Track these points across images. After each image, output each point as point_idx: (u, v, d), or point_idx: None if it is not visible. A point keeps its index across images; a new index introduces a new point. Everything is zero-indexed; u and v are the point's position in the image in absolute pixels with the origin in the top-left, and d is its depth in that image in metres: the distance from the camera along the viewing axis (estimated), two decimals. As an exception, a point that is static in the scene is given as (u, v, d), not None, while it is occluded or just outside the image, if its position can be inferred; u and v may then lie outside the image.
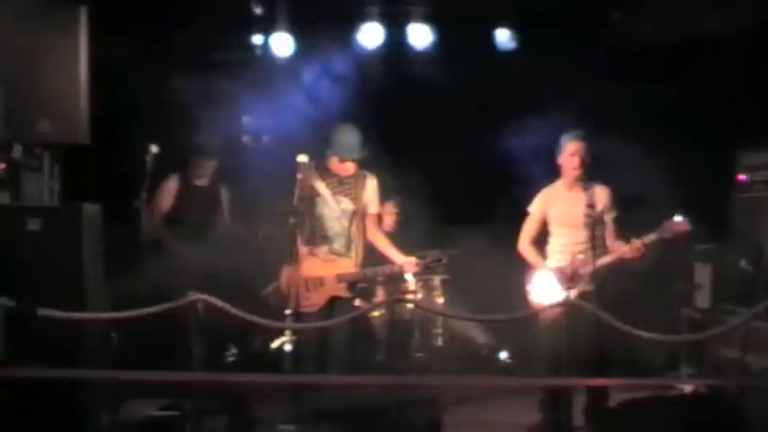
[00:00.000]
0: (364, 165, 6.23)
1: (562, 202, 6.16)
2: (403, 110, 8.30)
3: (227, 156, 7.23)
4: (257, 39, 8.48)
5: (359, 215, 6.13)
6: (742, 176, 6.68)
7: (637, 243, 5.86)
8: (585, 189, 6.01)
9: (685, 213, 5.84)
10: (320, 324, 5.90)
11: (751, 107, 7.11)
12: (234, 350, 7.70)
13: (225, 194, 7.10)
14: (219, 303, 5.11)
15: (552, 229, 6.22)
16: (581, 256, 5.97)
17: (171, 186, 6.88)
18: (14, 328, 4.96)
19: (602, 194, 6.08)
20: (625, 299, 6.20)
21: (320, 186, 6.09)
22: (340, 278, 6.04)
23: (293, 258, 5.65)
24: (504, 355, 8.16)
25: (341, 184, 6.14)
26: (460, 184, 8.28)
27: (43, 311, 4.91)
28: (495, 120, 7.84)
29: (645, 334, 5.24)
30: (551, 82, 7.61)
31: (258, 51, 8.51)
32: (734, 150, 6.80)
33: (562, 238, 6.14)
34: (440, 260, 6.08)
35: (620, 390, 6.17)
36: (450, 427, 5.69)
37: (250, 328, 7.13)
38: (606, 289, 5.93)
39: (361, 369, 6.69)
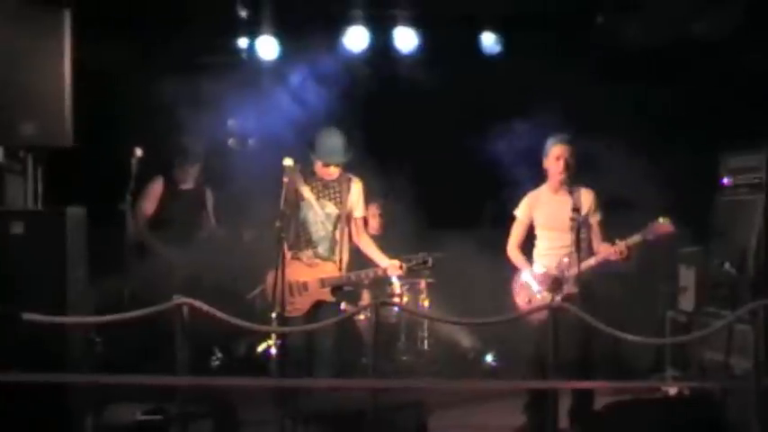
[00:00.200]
0: (349, 168, 6.23)
1: (548, 205, 6.18)
2: (389, 113, 8.30)
3: (212, 159, 7.21)
4: (243, 42, 8.48)
5: (343, 219, 6.13)
6: (725, 179, 6.70)
7: (621, 245, 5.89)
8: (571, 192, 6.04)
9: (669, 216, 5.87)
10: (306, 327, 5.89)
11: (734, 110, 7.15)
12: (219, 354, 7.68)
13: (210, 198, 7.09)
14: (205, 307, 5.10)
15: (538, 232, 6.23)
16: (566, 259, 5.99)
17: (156, 189, 6.86)
18: (-2, 332, 4.94)
19: (587, 197, 6.10)
20: (610, 301, 6.23)
21: (305, 190, 6.09)
22: (324, 282, 6.03)
23: (279, 262, 5.63)
24: (489, 358, 8.18)
25: (325, 188, 6.13)
26: (446, 188, 8.29)
27: (27, 316, 4.88)
28: (481, 123, 7.86)
29: (629, 336, 5.26)
30: (537, 85, 7.63)
31: (244, 54, 8.51)
32: (717, 153, 6.82)
33: (548, 241, 6.16)
34: (425, 263, 6.08)
35: (605, 392, 6.19)
36: (435, 430, 5.69)
37: (235, 332, 7.13)
38: (591, 291, 5.95)
39: (346, 372, 6.68)
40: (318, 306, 6.04)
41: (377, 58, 8.41)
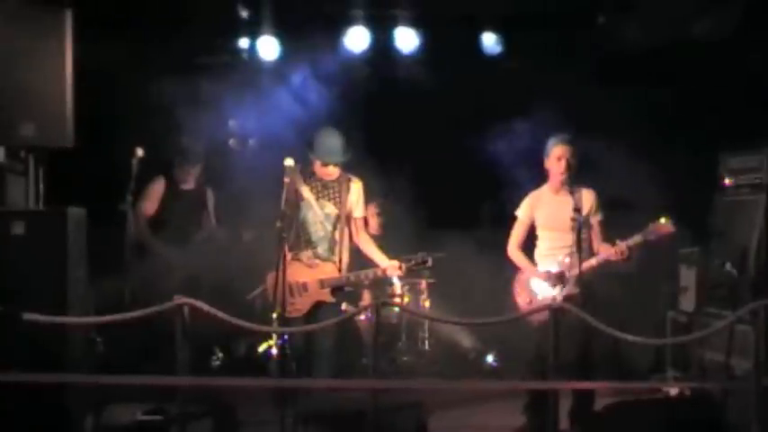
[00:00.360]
0: (349, 168, 6.22)
1: (549, 205, 6.18)
2: (389, 113, 8.30)
3: (213, 159, 7.21)
4: (244, 42, 8.49)
5: (343, 219, 6.12)
6: (726, 180, 6.70)
7: (621, 246, 5.89)
8: (572, 192, 6.03)
9: (670, 216, 5.87)
10: (306, 328, 5.89)
11: (734, 110, 7.15)
12: (219, 354, 7.69)
13: (211, 198, 7.09)
14: (205, 307, 5.10)
15: (539, 232, 6.23)
16: (567, 260, 5.99)
17: (156, 189, 6.86)
18: (-2, 332, 4.94)
19: (588, 198, 6.10)
20: (611, 302, 6.23)
21: (304, 190, 6.08)
22: (323, 283, 6.03)
23: (279, 263, 5.63)
24: (490, 358, 8.17)
25: (325, 189, 6.13)
26: (446, 188, 8.30)
27: (28, 315, 4.88)
28: (481, 123, 7.86)
29: (630, 337, 5.26)
30: (537, 85, 7.63)
31: (245, 55, 8.51)
32: (718, 153, 6.82)
33: (549, 241, 6.16)
34: (424, 262, 6.07)
35: (605, 393, 6.19)
36: (436, 431, 5.68)
37: (236, 332, 7.13)
38: (592, 292, 5.95)
39: (347, 372, 6.68)
40: (318, 307, 6.04)
41: (377, 59, 8.42)
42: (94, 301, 5.86)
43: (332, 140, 6.04)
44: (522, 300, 6.19)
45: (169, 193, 6.88)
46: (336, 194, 6.12)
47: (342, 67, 8.10)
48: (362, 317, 7.53)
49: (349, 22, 8.21)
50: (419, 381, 7.63)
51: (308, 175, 6.12)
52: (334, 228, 6.10)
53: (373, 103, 8.42)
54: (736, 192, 6.63)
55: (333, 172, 6.09)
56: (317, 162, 6.08)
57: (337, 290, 6.10)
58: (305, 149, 6.11)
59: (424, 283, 8.21)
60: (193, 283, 6.55)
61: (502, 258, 6.35)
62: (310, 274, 6.02)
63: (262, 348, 7.59)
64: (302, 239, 6.09)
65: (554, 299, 5.89)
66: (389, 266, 6.06)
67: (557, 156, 6.10)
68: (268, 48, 8.37)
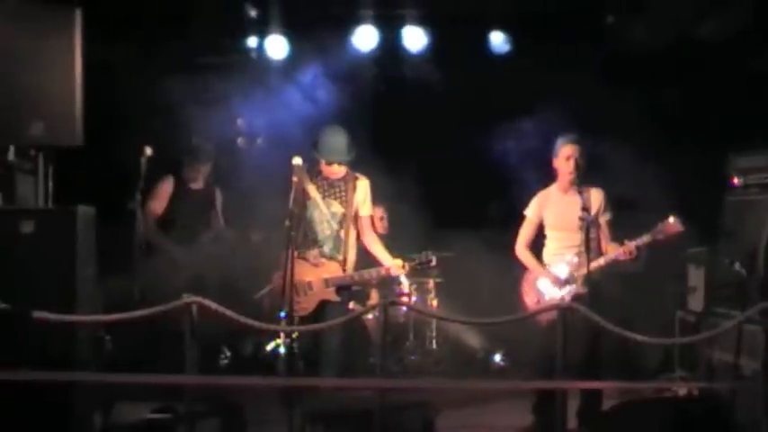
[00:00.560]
0: (357, 167, 6.22)
1: (557, 205, 6.17)
2: (397, 112, 8.31)
3: (221, 158, 7.22)
4: (252, 41, 8.50)
5: (349, 218, 6.11)
6: (735, 179, 6.68)
7: (630, 245, 5.88)
8: (580, 192, 6.02)
9: (678, 215, 5.86)
10: (314, 327, 5.89)
11: (743, 110, 7.13)
12: (227, 353, 7.70)
13: (219, 197, 7.09)
14: (214, 306, 5.11)
15: (548, 232, 6.23)
16: (575, 259, 5.98)
17: (165, 189, 6.87)
18: (8, 331, 4.94)
19: (596, 197, 6.10)
20: (619, 301, 6.22)
21: (311, 189, 6.08)
22: (327, 282, 6.03)
23: (288, 262, 5.63)
24: (498, 357, 8.17)
25: (331, 187, 6.12)
26: (454, 187, 8.30)
27: (37, 314, 4.90)
28: (489, 122, 7.86)
29: (638, 337, 5.25)
30: (545, 85, 7.62)
31: (253, 54, 8.53)
32: (726, 153, 6.81)
33: (558, 241, 6.16)
34: (428, 261, 6.06)
35: (613, 392, 6.18)
36: (443, 430, 5.69)
37: (243, 332, 7.14)
38: (600, 291, 5.94)
39: (354, 372, 6.69)
40: (324, 306, 6.04)
41: (385, 58, 8.43)
42: (103, 299, 5.87)
43: (336, 139, 6.04)
44: (529, 299, 6.18)
45: (178, 192, 6.88)
46: (343, 193, 6.11)
47: (350, 67, 8.12)
48: (370, 316, 7.53)
49: (357, 21, 8.22)
50: (426, 380, 7.64)
51: (315, 174, 6.12)
52: (341, 227, 6.10)
53: (381, 102, 8.43)
54: (744, 191, 6.62)
55: (339, 171, 6.09)
56: (323, 161, 6.08)
57: (342, 289, 6.09)
58: (311, 148, 6.11)
59: (431, 283, 8.22)
60: (201, 282, 6.56)
61: (509, 258, 6.35)
62: (315, 273, 6.03)
63: (269, 347, 7.61)
64: (309, 239, 6.09)
65: (562, 299, 5.89)
66: (393, 266, 6.05)
67: (565, 155, 6.09)
68: (276, 47, 8.38)
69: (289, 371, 5.87)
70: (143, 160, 5.98)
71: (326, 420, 5.38)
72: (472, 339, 8.35)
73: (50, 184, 5.81)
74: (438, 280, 8.22)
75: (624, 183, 6.53)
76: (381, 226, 7.97)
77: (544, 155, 6.28)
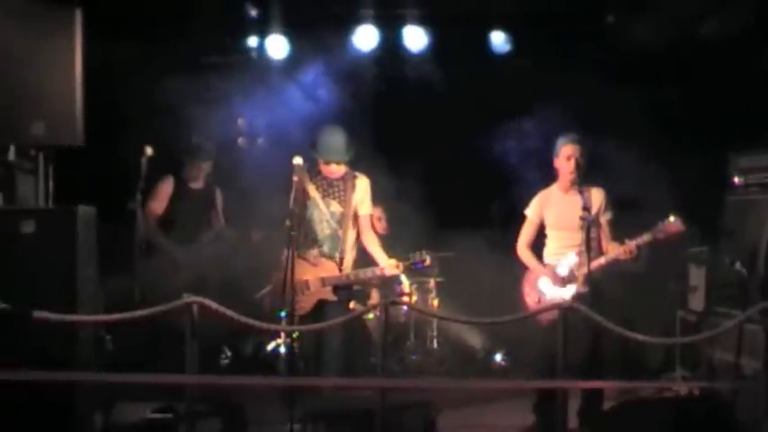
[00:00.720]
0: (358, 167, 6.21)
1: (558, 205, 6.17)
2: (398, 112, 8.31)
3: (222, 158, 7.22)
4: (253, 41, 8.50)
5: (348, 217, 6.10)
6: (736, 179, 6.68)
7: (630, 245, 5.88)
8: (581, 192, 6.02)
9: (679, 215, 5.85)
10: (315, 326, 5.89)
11: (744, 109, 7.13)
12: (228, 353, 7.70)
13: (219, 197, 7.09)
14: (214, 306, 5.10)
15: (548, 231, 6.23)
16: (576, 258, 5.98)
17: (165, 189, 6.87)
18: (8, 331, 4.94)
19: (597, 196, 6.09)
20: (620, 301, 6.22)
21: (310, 189, 6.07)
22: (324, 281, 6.02)
23: (288, 262, 5.63)
24: (499, 357, 8.17)
25: (330, 187, 6.12)
26: (455, 187, 8.30)
27: (37, 314, 4.90)
28: (490, 122, 7.86)
29: (639, 336, 5.25)
30: (546, 84, 7.62)
31: (254, 54, 8.52)
32: (727, 153, 6.81)
33: (558, 240, 6.15)
34: (422, 261, 6.05)
35: (614, 392, 6.18)
36: (444, 430, 5.68)
37: (244, 331, 7.14)
38: (601, 291, 5.94)
39: (355, 371, 6.68)
40: (324, 305, 6.03)
41: (386, 57, 8.43)
42: (104, 299, 5.86)
43: (334, 139, 6.03)
44: (530, 299, 6.18)
45: (178, 192, 6.89)
46: (342, 192, 6.11)
47: (350, 66, 8.11)
48: (371, 315, 7.53)
49: (358, 20, 8.22)
50: (427, 380, 7.64)
51: (315, 173, 6.12)
52: (340, 226, 6.09)
53: (382, 102, 8.43)
54: (745, 191, 6.62)
55: (338, 170, 6.08)
56: (322, 163, 6.07)
57: (340, 288, 6.08)
58: (310, 148, 6.10)
59: (432, 282, 8.22)
60: (202, 281, 6.57)
61: (511, 257, 6.35)
62: (313, 273, 6.02)
63: (270, 347, 7.61)
64: (308, 238, 6.08)
65: (563, 298, 5.88)
66: (387, 265, 6.04)
67: (566, 155, 6.09)
68: (277, 46, 8.38)
69: (289, 371, 5.87)
70: (143, 160, 5.98)
71: (327, 420, 5.38)
72: (473, 339, 8.35)
73: (51, 183, 5.81)
74: (439, 279, 8.22)
75: (625, 182, 6.53)
76: (380, 226, 7.97)
77: (545, 154, 6.28)
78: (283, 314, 5.74)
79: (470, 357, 8.30)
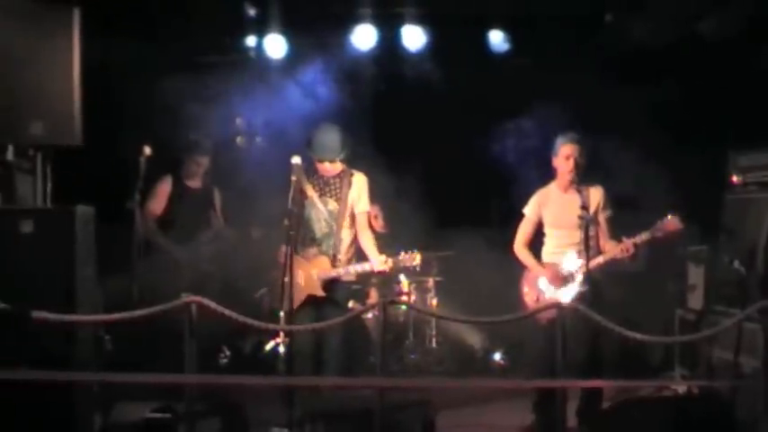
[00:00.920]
0: (356, 165, 6.21)
1: (556, 204, 6.17)
2: (396, 111, 8.31)
3: (220, 157, 7.22)
4: (251, 40, 8.49)
5: (344, 215, 6.09)
6: (735, 177, 6.68)
7: (628, 243, 5.88)
8: (580, 191, 6.02)
9: (678, 213, 5.85)
10: (314, 325, 5.89)
11: (743, 108, 7.13)
12: (227, 352, 7.70)
13: (218, 197, 7.10)
14: (213, 305, 5.10)
15: (547, 230, 6.22)
16: (575, 258, 5.98)
17: (164, 188, 6.88)
18: (7, 331, 4.94)
19: (595, 194, 6.09)
20: (619, 300, 6.22)
21: (308, 188, 6.07)
22: (313, 276, 6.00)
23: (287, 261, 5.63)
24: (498, 356, 8.17)
25: (327, 185, 6.12)
26: (454, 186, 8.29)
27: (36, 313, 4.90)
28: (489, 121, 7.86)
29: (638, 335, 5.24)
30: (545, 83, 7.62)
31: (252, 53, 8.52)
32: (726, 152, 6.81)
33: (557, 239, 6.15)
34: (413, 258, 6.02)
35: (613, 391, 6.18)
36: (444, 429, 5.68)
37: (243, 330, 7.14)
38: (600, 290, 5.94)
39: (354, 371, 6.68)
40: (320, 304, 6.01)
41: (384, 57, 8.42)
42: (103, 299, 5.86)
43: (328, 137, 6.03)
44: (529, 298, 6.18)
45: (176, 191, 6.90)
46: (338, 190, 6.11)
47: (349, 65, 8.11)
48: (369, 315, 7.53)
49: (356, 19, 8.21)
50: (426, 379, 7.64)
51: (311, 172, 6.11)
52: (337, 224, 6.08)
53: (381, 101, 8.43)
54: (744, 189, 6.62)
55: (334, 168, 6.08)
56: (317, 162, 6.06)
57: (329, 284, 6.04)
58: (306, 147, 6.10)
59: (431, 281, 8.22)
60: (201, 281, 6.57)
61: (510, 256, 6.35)
62: (305, 268, 6.00)
63: (269, 347, 7.61)
64: (307, 237, 6.08)
65: (561, 297, 5.88)
66: (376, 261, 6.03)
67: (565, 154, 6.09)
68: (275, 46, 8.37)
69: (289, 370, 5.87)
70: (142, 160, 5.98)
71: (327, 419, 5.38)
72: (472, 338, 8.35)
73: (49, 183, 5.81)
74: (438, 278, 8.22)
75: (624, 181, 6.53)
76: (377, 224, 7.96)
77: (545, 153, 6.28)
78: (282, 314, 5.74)
79: (469, 357, 8.30)
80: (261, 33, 8.40)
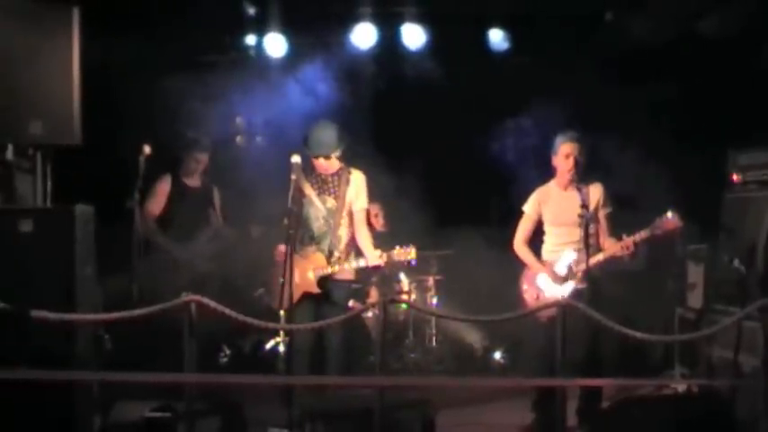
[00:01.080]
0: (356, 164, 6.20)
1: (556, 201, 6.17)
2: (396, 110, 8.31)
3: (220, 156, 7.22)
4: (251, 39, 8.49)
5: (341, 212, 6.08)
6: (735, 176, 6.68)
7: (627, 241, 5.88)
8: (579, 189, 6.02)
9: (678, 212, 5.85)
10: (314, 324, 5.89)
11: (743, 107, 7.12)
12: (227, 351, 7.70)
13: (217, 196, 7.10)
14: (213, 304, 5.10)
15: (546, 228, 6.23)
16: (574, 255, 5.98)
17: (163, 187, 6.88)
18: (7, 330, 4.94)
19: (595, 192, 6.09)
20: (619, 298, 6.22)
21: (305, 187, 6.06)
22: (309, 273, 6.00)
23: (288, 260, 5.62)
24: (498, 355, 8.17)
25: (324, 184, 6.11)
26: (454, 184, 8.30)
27: (36, 313, 4.90)
28: (489, 120, 7.86)
29: (638, 334, 5.24)
30: (544, 82, 7.62)
31: (252, 52, 8.52)
32: (726, 150, 6.81)
33: (556, 237, 6.15)
34: (408, 252, 6.01)
35: (613, 389, 6.18)
36: (443, 428, 5.68)
37: (243, 329, 7.14)
38: (599, 288, 5.94)
39: (354, 369, 6.68)
40: (312, 300, 6.01)
41: (384, 55, 8.42)
42: (102, 298, 5.87)
43: (324, 133, 6.01)
44: (529, 296, 6.18)
45: (176, 190, 6.90)
46: (336, 188, 6.09)
47: (349, 64, 8.11)
48: (369, 314, 7.53)
49: (356, 18, 8.21)
50: (426, 378, 7.64)
51: (309, 171, 6.11)
52: (336, 222, 6.08)
53: (381, 100, 8.43)
54: (744, 188, 6.61)
55: (329, 165, 6.06)
56: (313, 159, 6.05)
57: (326, 282, 6.04)
58: (303, 144, 6.09)
59: (431, 280, 8.22)
60: (201, 280, 6.57)
61: (510, 255, 6.34)
62: (301, 266, 5.99)
63: (269, 345, 7.61)
64: (306, 236, 6.07)
65: (561, 296, 5.88)
66: (371, 256, 6.01)
67: (564, 153, 6.09)
68: (275, 45, 8.38)
69: (288, 369, 5.87)
70: (142, 159, 5.99)
71: (326, 418, 5.38)
72: (472, 337, 8.35)
73: (49, 183, 5.81)
74: (438, 277, 8.23)
75: (624, 180, 6.53)
76: (378, 222, 7.97)
77: (544, 152, 6.28)
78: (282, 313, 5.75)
79: (469, 355, 8.30)
80: (261, 32, 8.40)
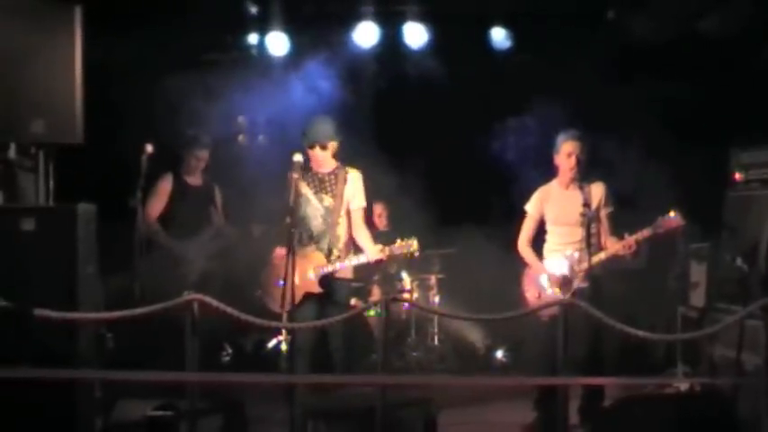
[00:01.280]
0: (358, 162, 6.20)
1: (558, 201, 6.16)
2: (398, 109, 8.31)
3: (222, 154, 7.22)
4: (253, 38, 8.49)
5: (339, 211, 6.07)
6: (737, 175, 6.68)
7: (629, 240, 5.88)
8: (581, 188, 6.02)
9: (680, 210, 5.85)
10: (316, 323, 5.88)
11: (745, 105, 7.12)
12: (229, 350, 7.71)
13: (218, 194, 7.10)
14: (215, 303, 5.10)
15: (549, 227, 6.22)
16: (576, 254, 5.98)
17: (165, 186, 6.88)
18: (9, 328, 4.94)
19: (597, 191, 6.09)
20: (621, 297, 6.22)
21: (302, 186, 6.04)
22: (309, 273, 6.00)
23: (290, 259, 5.62)
24: (500, 353, 8.17)
25: (321, 182, 6.09)
26: (456, 183, 8.30)
27: (38, 311, 4.90)
28: (491, 118, 7.86)
29: (640, 333, 5.24)
30: (547, 81, 7.62)
31: (254, 51, 8.52)
32: (728, 149, 6.80)
33: (559, 236, 6.15)
34: (410, 245, 5.99)
35: (615, 388, 6.18)
36: (445, 427, 5.68)
37: (245, 328, 7.14)
38: (601, 287, 5.94)
39: (356, 368, 6.68)
40: (314, 300, 6.00)
41: (386, 54, 8.42)
42: (104, 297, 5.87)
43: (320, 125, 6.00)
44: (530, 295, 6.18)
45: (177, 189, 6.90)
46: (333, 187, 6.07)
47: (351, 63, 8.10)
48: (372, 312, 7.53)
49: (358, 17, 8.21)
50: (428, 376, 7.64)
51: (307, 170, 6.09)
52: (334, 221, 6.07)
53: (383, 99, 8.43)
54: (746, 187, 6.62)
55: (326, 159, 6.03)
56: (309, 152, 6.02)
57: (326, 280, 6.03)
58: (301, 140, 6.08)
59: (433, 279, 8.23)
60: (202, 278, 6.57)
61: (512, 254, 6.34)
62: (301, 265, 5.97)
63: (271, 344, 7.61)
64: (305, 235, 6.06)
65: (563, 294, 5.88)
66: (371, 252, 5.99)
67: (566, 152, 6.08)
68: (277, 43, 8.38)
69: (290, 368, 5.87)
70: (144, 158, 5.98)
71: (328, 417, 5.38)
72: (474, 335, 8.35)
73: (51, 181, 5.82)
74: (440, 276, 8.23)
75: (626, 179, 6.52)
76: (381, 222, 7.97)
77: (546, 151, 6.27)
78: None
79: (471, 354, 8.31)
80: (262, 31, 8.41)
